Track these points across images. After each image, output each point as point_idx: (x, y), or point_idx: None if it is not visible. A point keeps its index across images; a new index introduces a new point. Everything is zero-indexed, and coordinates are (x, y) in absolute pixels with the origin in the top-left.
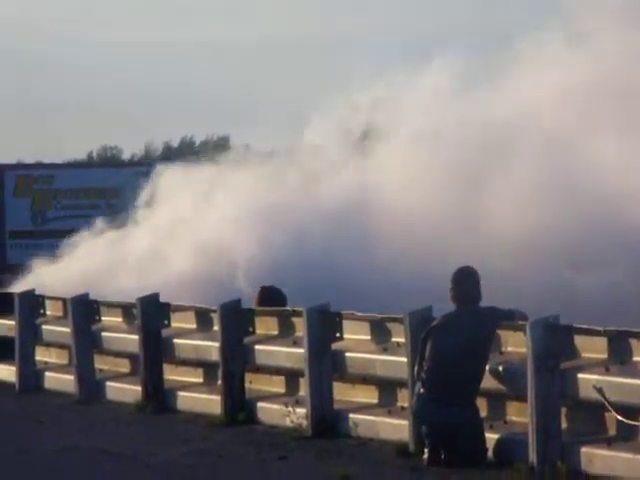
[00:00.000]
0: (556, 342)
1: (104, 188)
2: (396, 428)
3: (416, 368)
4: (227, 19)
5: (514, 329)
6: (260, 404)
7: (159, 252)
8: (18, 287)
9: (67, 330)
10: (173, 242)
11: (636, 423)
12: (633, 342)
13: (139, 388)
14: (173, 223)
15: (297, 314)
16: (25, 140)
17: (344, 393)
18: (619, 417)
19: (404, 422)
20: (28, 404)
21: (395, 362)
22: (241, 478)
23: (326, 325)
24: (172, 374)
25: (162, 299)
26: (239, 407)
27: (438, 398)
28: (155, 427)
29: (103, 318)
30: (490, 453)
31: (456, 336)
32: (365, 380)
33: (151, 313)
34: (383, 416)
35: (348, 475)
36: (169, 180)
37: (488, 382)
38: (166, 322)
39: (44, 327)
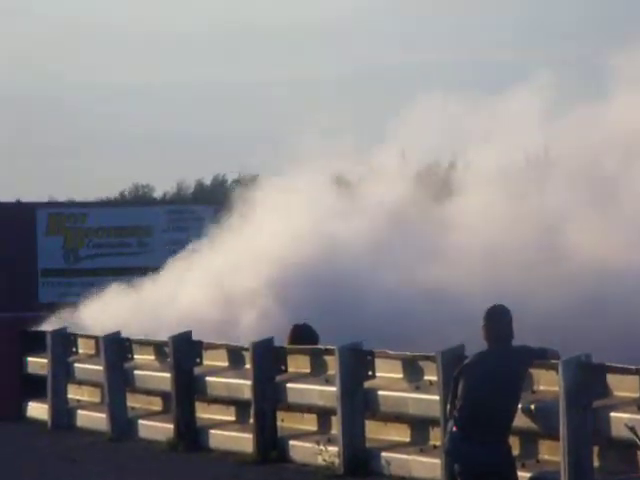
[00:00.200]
0: (588, 381)
1: (136, 226)
2: (428, 467)
3: (448, 407)
4: (255, 59)
5: (546, 367)
6: (292, 442)
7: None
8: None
9: (99, 368)
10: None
11: None
12: None
13: (171, 426)
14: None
15: (329, 352)
16: (57, 178)
17: (376, 431)
18: None
19: (436, 461)
20: (60, 442)
21: (427, 400)
22: None
23: (358, 363)
24: (204, 412)
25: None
26: (271, 445)
27: (470, 436)
28: (187, 465)
29: (135, 356)
30: None
31: (488, 375)
32: (397, 418)
33: (183, 351)
34: (415, 454)
35: None
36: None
37: (520, 421)
38: (198, 360)
39: (76, 365)
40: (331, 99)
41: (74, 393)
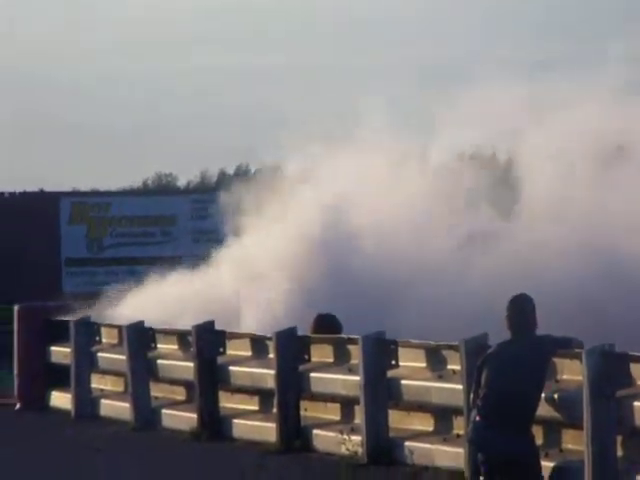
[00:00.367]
0: (612, 370)
1: (159, 216)
2: (452, 456)
3: (472, 396)
4: (288, 42)
5: (570, 357)
6: (315, 431)
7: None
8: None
9: (123, 357)
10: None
11: None
12: None
13: (194, 415)
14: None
15: (353, 341)
16: (80, 168)
17: (399, 421)
18: None
19: (460, 450)
20: (84, 431)
21: (451, 389)
22: None
23: (382, 353)
24: (227, 401)
25: None
26: (294, 435)
27: (494, 426)
28: (210, 455)
29: (159, 345)
30: None
31: (512, 364)
32: (421, 408)
33: (206, 340)
34: (439, 444)
35: None
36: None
37: (544, 410)
38: (221, 349)
39: (100, 354)
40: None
41: (97, 382)
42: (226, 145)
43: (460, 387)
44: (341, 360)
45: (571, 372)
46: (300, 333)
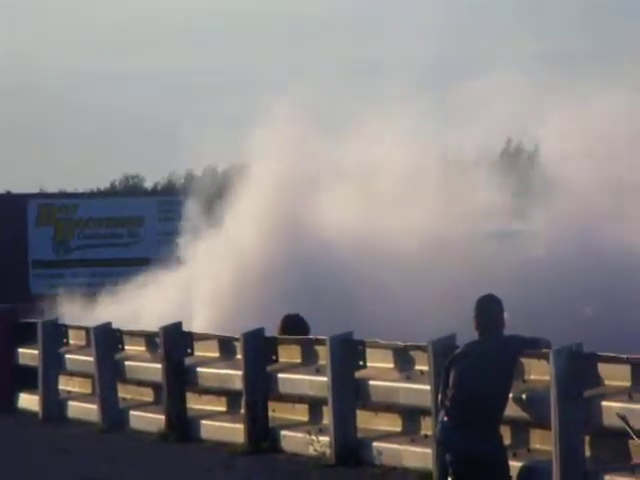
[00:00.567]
0: (579, 370)
1: (127, 217)
2: (420, 456)
3: (439, 396)
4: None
5: (538, 357)
6: (283, 432)
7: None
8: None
9: (90, 359)
10: None
11: None
12: None
13: (162, 417)
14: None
15: (320, 342)
16: (48, 170)
17: (367, 421)
18: None
19: (428, 450)
20: (51, 433)
21: (418, 390)
22: None
23: (349, 353)
24: (195, 403)
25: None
26: (262, 436)
27: (462, 426)
28: (178, 456)
29: (126, 347)
30: None
31: (479, 364)
32: (388, 408)
33: (174, 342)
34: (407, 444)
35: None
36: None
37: (512, 410)
38: (189, 351)
39: (67, 356)
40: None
41: (65, 384)
42: (195, 146)
43: (428, 387)
44: (309, 361)
45: (539, 372)
46: (267, 334)
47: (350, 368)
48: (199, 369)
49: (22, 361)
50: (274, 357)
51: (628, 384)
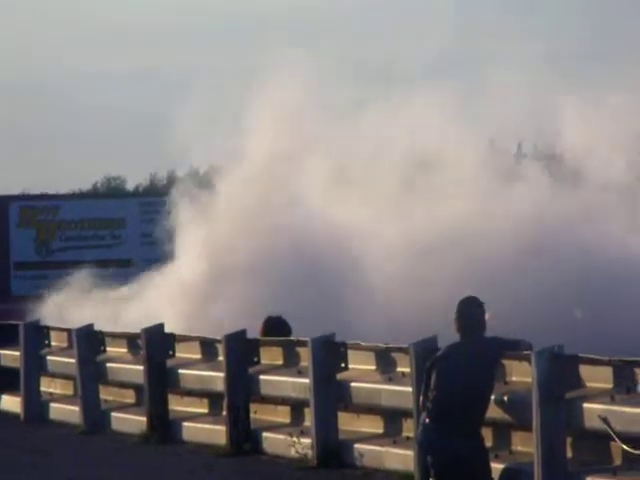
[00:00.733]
0: (561, 372)
1: (109, 219)
2: (401, 458)
3: (421, 398)
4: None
5: (519, 359)
6: (265, 434)
7: None
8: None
9: (72, 361)
10: None
11: None
12: (638, 371)
13: (144, 419)
14: None
15: (302, 344)
16: (29, 171)
17: (349, 423)
18: (624, 447)
19: (409, 452)
20: (33, 435)
21: (400, 392)
22: None
23: (331, 355)
24: (177, 404)
25: None
26: (244, 437)
27: (443, 428)
28: (160, 458)
29: (108, 349)
30: None
31: (461, 366)
32: (370, 410)
33: (156, 343)
34: (388, 446)
35: None
36: None
37: (493, 412)
38: (171, 352)
39: (49, 358)
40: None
41: (47, 386)
42: (175, 147)
43: (410, 389)
44: (291, 362)
45: (520, 374)
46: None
47: (332, 370)
48: (181, 371)
49: (4, 363)
50: (256, 359)
51: (610, 386)
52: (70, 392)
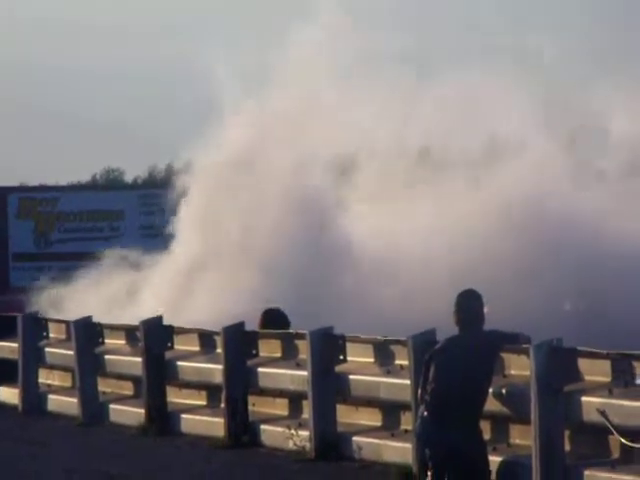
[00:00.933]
0: (559, 365)
1: (108, 211)
2: (399, 451)
3: (419, 391)
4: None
5: (517, 352)
6: (263, 427)
7: None
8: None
9: (70, 353)
10: None
11: (639, 446)
12: (636, 365)
13: (142, 410)
14: None
15: (300, 336)
16: (29, 162)
17: (347, 416)
18: (622, 440)
19: (407, 445)
20: (31, 426)
21: (399, 385)
22: None
23: (330, 347)
24: (175, 396)
25: None
26: (242, 430)
27: (441, 421)
28: (158, 450)
29: (106, 341)
30: (493, 476)
31: (459, 359)
32: (369, 403)
33: (154, 335)
34: (386, 439)
35: None
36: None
37: (491, 405)
38: (169, 344)
39: (47, 350)
40: None
41: (45, 377)
42: (175, 139)
43: (408, 382)
44: (289, 355)
45: (519, 367)
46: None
47: (330, 362)
48: (179, 363)
49: (2, 354)
50: (254, 351)
51: (608, 379)
52: (68, 384)
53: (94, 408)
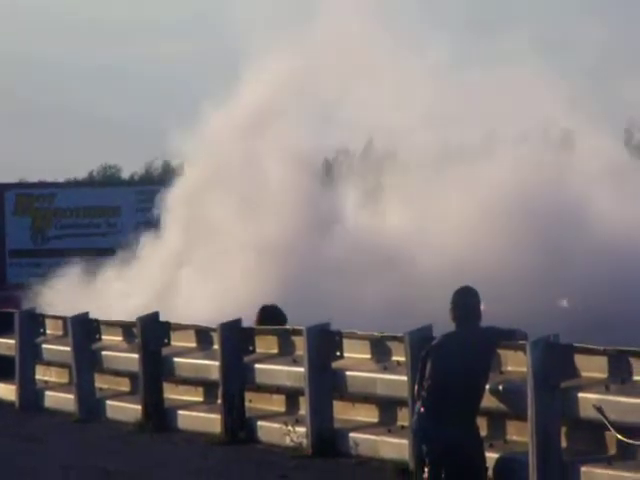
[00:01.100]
0: (556, 361)
1: (104, 207)
2: (396, 447)
3: (416, 387)
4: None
5: (514, 348)
6: (260, 423)
7: None
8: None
9: (67, 349)
10: None
11: (636, 442)
12: (633, 361)
13: (139, 407)
14: None
15: (297, 333)
16: (26, 159)
17: (344, 412)
18: (619, 436)
19: (404, 441)
20: (28, 423)
21: (395, 381)
22: None
23: (326, 344)
24: (172, 393)
25: None
26: (239, 426)
27: (438, 417)
28: (155, 446)
29: (103, 337)
30: (490, 472)
31: (456, 355)
32: (365, 399)
33: (151, 332)
34: (383, 435)
35: None
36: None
37: (488, 401)
38: (166, 341)
39: (44, 346)
40: None
41: (42, 374)
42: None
43: (405, 378)
44: (286, 351)
45: (516, 363)
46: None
47: (327, 358)
48: (176, 359)
49: None
50: (251, 347)
51: (605, 375)
52: (65, 380)
53: (91, 404)
